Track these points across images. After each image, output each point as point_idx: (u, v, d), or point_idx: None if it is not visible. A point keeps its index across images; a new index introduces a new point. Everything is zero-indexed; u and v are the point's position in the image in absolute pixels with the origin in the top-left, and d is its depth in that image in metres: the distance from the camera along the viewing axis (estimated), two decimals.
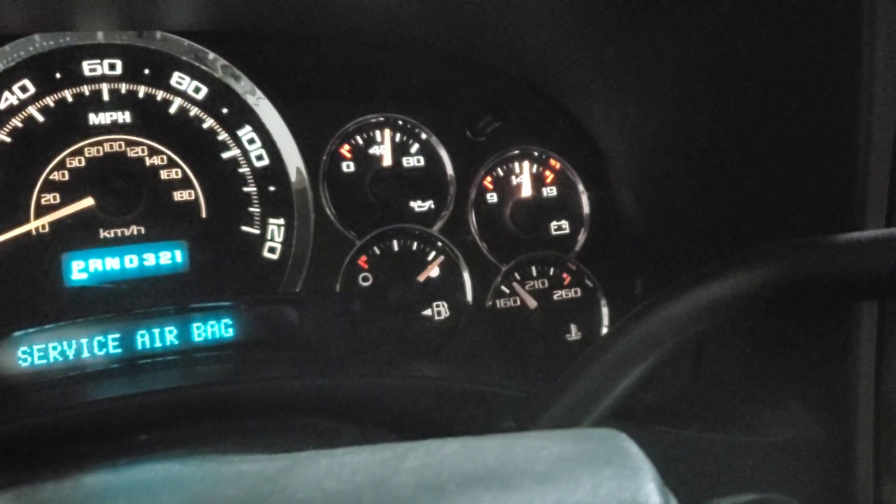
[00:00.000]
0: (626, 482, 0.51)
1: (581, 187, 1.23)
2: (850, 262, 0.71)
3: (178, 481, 0.53)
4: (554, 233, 1.21)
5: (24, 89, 1.02)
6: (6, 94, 1.02)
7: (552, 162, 1.22)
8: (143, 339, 1.02)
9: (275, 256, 1.10)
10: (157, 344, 1.02)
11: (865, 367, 0.87)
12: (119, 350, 1.00)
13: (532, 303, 1.17)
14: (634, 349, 0.77)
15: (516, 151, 1.21)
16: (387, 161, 1.16)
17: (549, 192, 1.22)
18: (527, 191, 1.20)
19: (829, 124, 0.83)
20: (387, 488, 0.49)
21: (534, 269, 1.19)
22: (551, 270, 1.20)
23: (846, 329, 0.87)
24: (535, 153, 1.21)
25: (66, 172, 1.04)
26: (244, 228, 1.09)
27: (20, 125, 1.02)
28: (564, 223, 1.22)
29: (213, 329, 1.03)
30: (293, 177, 1.11)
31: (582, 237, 1.22)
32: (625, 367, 0.77)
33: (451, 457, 0.54)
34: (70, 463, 0.69)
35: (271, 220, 1.10)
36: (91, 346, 0.99)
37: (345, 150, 1.14)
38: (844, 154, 0.82)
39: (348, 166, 1.14)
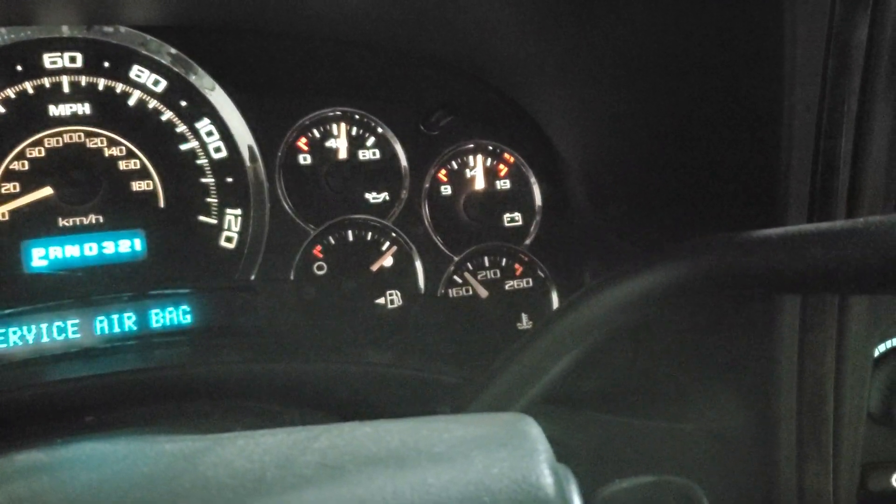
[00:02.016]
0: (519, 462, 0.53)
1: (533, 180, 1.24)
2: (767, 258, 0.73)
3: (100, 458, 0.55)
4: (507, 224, 1.23)
5: None
6: None
7: (506, 156, 1.23)
8: (101, 325, 1.03)
9: (231, 245, 1.11)
10: (116, 329, 1.03)
11: (788, 356, 0.89)
12: (78, 335, 1.02)
13: (483, 292, 1.19)
14: (564, 337, 0.79)
15: (471, 145, 1.22)
16: (343, 154, 1.16)
17: (503, 184, 1.23)
18: (480, 183, 1.21)
19: (755, 127, 0.86)
20: (291, 467, 0.51)
21: (486, 259, 1.21)
22: (503, 261, 1.21)
23: (770, 320, 0.89)
24: (490, 147, 1.22)
25: (26, 162, 1.04)
26: (201, 218, 1.10)
27: None
28: (517, 215, 1.23)
29: (171, 315, 1.05)
30: (250, 168, 1.11)
31: (534, 229, 1.23)
32: (554, 354, 0.79)
33: (358, 438, 0.55)
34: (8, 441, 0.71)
35: (228, 211, 1.11)
36: (50, 330, 1.01)
37: (301, 142, 1.15)
38: (769, 151, 0.84)
39: (305, 159, 1.15)
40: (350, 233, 1.16)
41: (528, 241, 1.23)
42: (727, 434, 0.91)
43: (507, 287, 1.21)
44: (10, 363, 0.99)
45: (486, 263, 1.21)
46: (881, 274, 0.63)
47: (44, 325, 1.01)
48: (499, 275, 1.21)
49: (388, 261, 1.16)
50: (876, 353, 1.01)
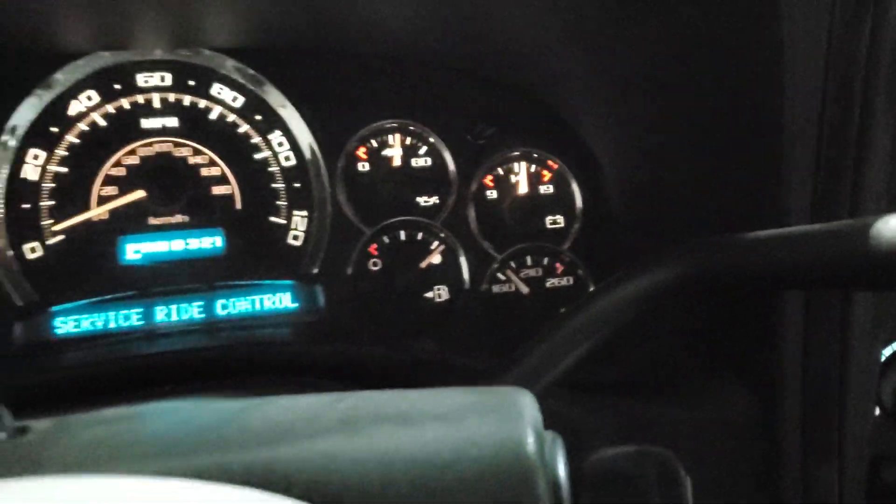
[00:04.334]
0: (506, 424, 0.61)
1: (575, 185, 1.30)
2: (764, 257, 0.78)
3: (166, 412, 0.65)
4: (549, 226, 1.29)
5: (89, 98, 1.13)
6: (74, 102, 1.12)
7: (549, 162, 1.29)
8: (183, 311, 1.14)
9: (298, 243, 1.20)
10: (196, 315, 1.14)
11: (792, 354, 0.93)
12: (162, 319, 1.13)
13: (525, 289, 1.25)
14: (581, 329, 0.86)
15: (516, 153, 1.28)
16: (397, 161, 1.24)
17: (546, 189, 1.29)
18: (524, 188, 1.28)
19: (760, 138, 0.90)
20: (316, 421, 0.60)
21: (528, 258, 1.27)
22: (545, 260, 1.27)
23: (774, 319, 0.93)
24: (534, 154, 1.29)
25: (123, 169, 1.14)
26: (272, 219, 1.20)
27: (86, 128, 1.13)
28: (559, 218, 1.29)
29: (241, 304, 1.16)
30: (314, 175, 1.20)
31: (574, 231, 1.29)
32: (571, 344, 0.86)
33: (374, 401, 0.64)
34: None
35: (295, 212, 1.20)
36: (140, 314, 1.13)
37: (360, 151, 1.23)
38: (773, 161, 0.89)
39: (363, 166, 1.23)
40: (402, 233, 1.23)
41: (568, 243, 1.29)
42: (736, 423, 0.95)
43: (547, 285, 1.27)
44: (93, 343, 1.11)
45: (529, 262, 1.27)
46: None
47: (134, 310, 1.13)
48: (540, 273, 1.27)
49: (436, 258, 1.24)
50: (889, 350, 1.03)
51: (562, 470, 0.60)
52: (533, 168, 1.29)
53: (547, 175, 1.30)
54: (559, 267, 1.28)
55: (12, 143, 1.10)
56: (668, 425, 0.94)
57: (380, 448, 0.57)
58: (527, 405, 0.64)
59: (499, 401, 0.64)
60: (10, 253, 1.09)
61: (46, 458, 0.58)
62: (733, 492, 0.94)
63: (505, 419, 0.61)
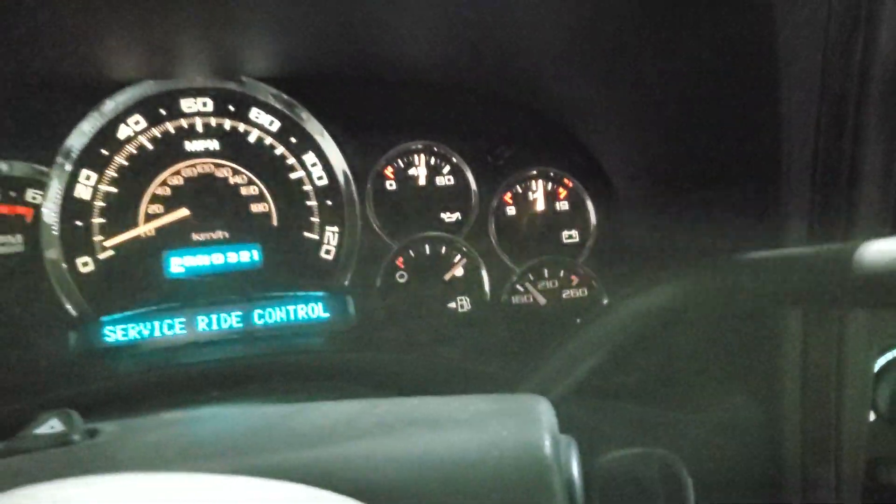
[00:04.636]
0: (524, 428, 0.67)
1: (589, 203, 1.36)
2: (761, 278, 0.85)
3: (218, 416, 0.73)
4: (565, 241, 1.36)
5: (136, 123, 1.21)
6: (123, 126, 1.20)
7: (565, 181, 1.36)
8: (224, 321, 1.21)
9: (330, 257, 1.27)
10: (236, 325, 1.21)
11: (791, 363, 0.98)
12: (205, 328, 1.20)
13: (542, 300, 1.32)
14: (595, 340, 0.93)
15: (534, 172, 1.35)
16: (422, 180, 1.32)
17: (562, 206, 1.36)
18: (541, 205, 1.35)
19: (760, 157, 0.96)
20: (355, 423, 0.67)
21: (546, 271, 1.33)
22: (561, 273, 1.34)
23: (776, 328, 0.99)
24: (551, 173, 1.35)
25: (168, 188, 1.22)
26: (306, 234, 1.27)
27: (134, 151, 1.21)
28: (574, 233, 1.36)
29: (276, 314, 1.23)
30: (345, 193, 1.28)
31: (589, 245, 1.36)
32: (587, 354, 0.93)
33: (408, 407, 0.71)
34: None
35: (328, 228, 1.27)
36: (183, 324, 1.20)
37: (388, 171, 1.30)
38: (772, 182, 0.95)
39: (390, 185, 1.31)
40: (427, 247, 1.30)
41: (583, 257, 1.35)
42: (739, 427, 1.01)
43: (563, 296, 1.34)
44: (139, 351, 1.18)
45: (546, 275, 1.33)
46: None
47: (178, 320, 1.21)
48: (556, 285, 1.34)
49: (459, 271, 1.31)
50: (883, 360, 1.09)
51: (575, 470, 0.67)
52: (549, 186, 1.36)
53: (563, 193, 1.36)
54: (574, 279, 1.34)
55: (67, 165, 1.18)
56: (675, 429, 1.00)
57: (412, 449, 0.64)
58: (543, 411, 0.71)
59: (518, 407, 0.71)
60: (65, 266, 1.17)
61: (120, 458, 0.65)
62: (735, 492, 1.00)
63: (524, 424, 0.68)
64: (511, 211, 1.34)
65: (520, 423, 0.68)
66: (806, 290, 0.81)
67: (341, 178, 1.28)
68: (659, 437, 0.99)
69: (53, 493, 0.48)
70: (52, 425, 0.72)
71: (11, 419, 0.91)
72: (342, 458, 0.64)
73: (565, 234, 1.36)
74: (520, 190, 1.35)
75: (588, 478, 0.71)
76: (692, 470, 0.72)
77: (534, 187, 1.35)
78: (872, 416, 1.09)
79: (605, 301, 1.33)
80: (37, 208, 1.18)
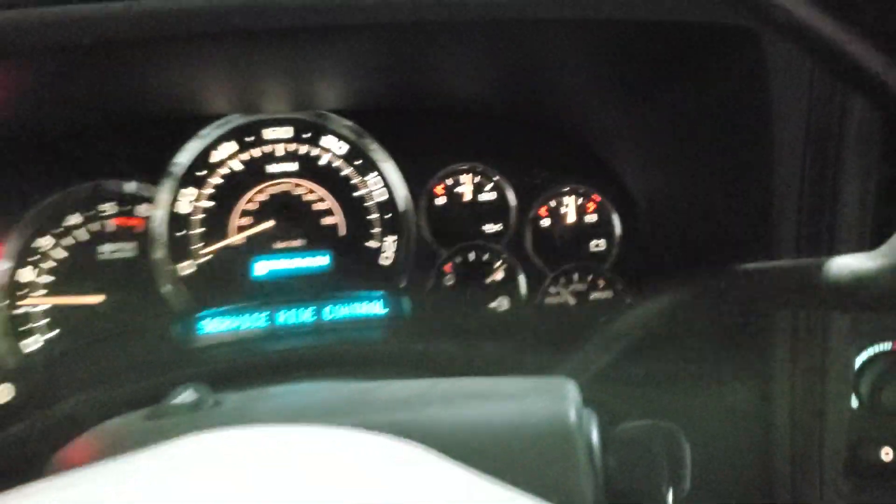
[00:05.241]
0: (554, 402, 0.82)
1: (615, 216, 1.50)
2: (754, 285, 1.01)
3: (309, 390, 0.91)
4: (593, 249, 1.49)
5: (228, 148, 1.37)
6: (216, 152, 1.36)
7: (594, 196, 1.49)
8: (301, 316, 1.38)
9: (388, 262, 1.42)
10: (310, 318, 1.38)
11: (782, 354, 1.13)
12: (286, 322, 1.38)
13: (572, 301, 1.48)
14: (617, 335, 1.09)
15: (566, 188, 1.49)
16: (468, 196, 1.46)
17: (591, 218, 1.50)
18: (572, 217, 1.49)
19: (754, 192, 1.12)
20: (423, 397, 0.84)
21: (576, 275, 1.47)
22: (589, 277, 1.48)
23: (769, 326, 1.15)
24: (581, 190, 1.49)
25: (254, 204, 1.37)
26: (368, 243, 1.42)
27: (226, 172, 1.37)
28: (602, 242, 1.50)
29: (342, 310, 1.41)
30: (402, 208, 1.42)
31: (614, 253, 1.50)
32: (611, 346, 1.09)
33: (462, 384, 0.88)
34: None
35: (387, 238, 1.41)
36: (268, 318, 1.39)
37: (438, 188, 1.44)
38: (765, 212, 1.11)
39: (441, 200, 1.45)
40: (472, 254, 1.45)
41: (609, 263, 1.49)
42: (736, 409, 1.17)
43: (591, 297, 1.48)
44: (227, 343, 1.37)
45: (576, 279, 1.47)
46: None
47: (261, 314, 1.38)
48: (585, 288, 1.47)
49: (499, 275, 1.45)
50: (865, 356, 1.23)
51: (595, 437, 0.83)
52: (579, 201, 1.50)
53: (591, 207, 1.51)
54: (601, 283, 1.48)
55: (171, 184, 1.37)
56: (680, 408, 1.16)
57: (466, 417, 0.82)
58: (570, 390, 0.86)
59: (549, 386, 0.87)
60: (169, 268, 1.37)
61: (248, 418, 0.84)
62: (730, 462, 1.16)
63: (554, 400, 0.84)
64: (545, 223, 1.49)
65: (551, 398, 0.83)
66: (788, 296, 0.97)
67: (399, 195, 1.42)
68: (666, 414, 1.16)
69: (199, 443, 0.58)
70: (187, 394, 0.91)
71: (140, 392, 1.11)
72: (415, 421, 0.81)
73: (593, 243, 1.50)
74: (553, 204, 1.49)
75: (605, 443, 0.80)
76: (691, 440, 0.83)
77: (565, 202, 1.50)
78: (856, 404, 1.24)
79: (628, 302, 1.50)
80: (147, 220, 1.36)
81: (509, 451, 0.77)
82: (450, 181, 1.47)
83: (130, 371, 1.27)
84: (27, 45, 0.95)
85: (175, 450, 0.56)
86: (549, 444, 0.77)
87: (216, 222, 1.37)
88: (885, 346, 1.18)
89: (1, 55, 0.97)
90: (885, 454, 1.20)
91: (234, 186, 1.38)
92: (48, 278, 1.34)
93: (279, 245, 1.39)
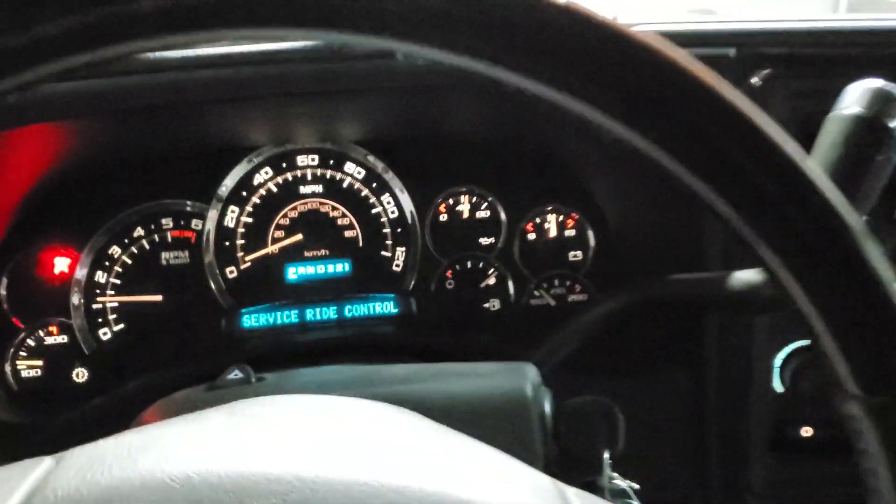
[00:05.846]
0: (517, 380, 1.03)
1: (590, 231, 1.69)
2: (682, 290, 1.25)
3: (333, 372, 1.16)
4: (571, 259, 1.69)
5: (266, 173, 1.57)
6: (256, 175, 1.56)
7: (573, 214, 1.68)
8: (325, 313, 1.65)
9: (398, 269, 1.62)
10: (332, 316, 1.62)
11: (711, 346, 1.36)
12: (313, 319, 1.64)
13: (553, 302, 1.69)
14: (574, 332, 1.33)
15: (549, 207, 1.68)
16: (466, 214, 1.64)
17: (570, 232, 1.68)
18: (554, 232, 1.68)
19: (693, 224, 1.36)
20: (416, 376, 1.09)
21: (556, 281, 1.68)
22: (568, 282, 1.68)
23: (700, 324, 1.39)
24: (562, 209, 1.68)
25: (288, 219, 1.54)
26: (382, 253, 1.60)
27: (264, 193, 1.58)
28: (579, 253, 1.69)
29: (361, 309, 1.66)
30: (411, 224, 1.64)
31: (589, 262, 1.70)
32: (569, 340, 1.34)
33: (446, 367, 1.13)
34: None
35: (397, 249, 1.57)
36: (297, 315, 1.66)
37: (442, 207, 1.63)
38: (700, 232, 1.35)
39: (443, 217, 1.64)
40: (469, 262, 1.60)
41: (584, 270, 1.69)
42: (672, 392, 1.40)
43: (569, 300, 1.67)
44: (264, 335, 1.62)
45: (556, 284, 1.67)
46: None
47: (293, 312, 1.64)
48: (564, 291, 1.67)
49: (491, 280, 1.63)
50: (789, 349, 1.45)
51: (548, 408, 1.05)
52: (560, 218, 1.69)
53: (570, 223, 1.70)
54: (578, 287, 1.69)
55: (218, 203, 1.63)
56: (623, 391, 1.39)
57: (445, 391, 1.06)
58: (530, 371, 1.10)
59: (515, 369, 1.10)
60: (217, 272, 1.63)
61: (286, 392, 1.09)
62: (668, 439, 1.39)
63: (517, 378, 1.06)
64: (531, 236, 1.68)
65: (514, 378, 1.04)
66: (703, 300, 1.22)
67: (408, 213, 1.58)
68: (613, 395, 1.40)
69: (260, 403, 0.72)
70: (236, 373, 1.16)
71: (195, 374, 1.36)
72: (410, 394, 1.05)
73: (571, 254, 1.68)
74: (538, 221, 1.68)
75: (557, 414, 0.97)
76: (634, 420, 0.99)
77: (549, 219, 1.68)
78: (781, 389, 1.47)
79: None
80: (198, 233, 1.61)
81: (481, 417, 0.97)
82: (451, 201, 1.62)
83: (186, 357, 1.54)
84: (88, 108, 1.21)
85: (243, 406, 0.70)
86: (510, 412, 0.95)
87: (255, 235, 1.54)
88: (805, 342, 1.40)
89: (64, 117, 1.23)
90: (805, 432, 1.42)
91: (270, 205, 1.54)
92: (117, 281, 1.60)
93: (308, 254, 1.57)
